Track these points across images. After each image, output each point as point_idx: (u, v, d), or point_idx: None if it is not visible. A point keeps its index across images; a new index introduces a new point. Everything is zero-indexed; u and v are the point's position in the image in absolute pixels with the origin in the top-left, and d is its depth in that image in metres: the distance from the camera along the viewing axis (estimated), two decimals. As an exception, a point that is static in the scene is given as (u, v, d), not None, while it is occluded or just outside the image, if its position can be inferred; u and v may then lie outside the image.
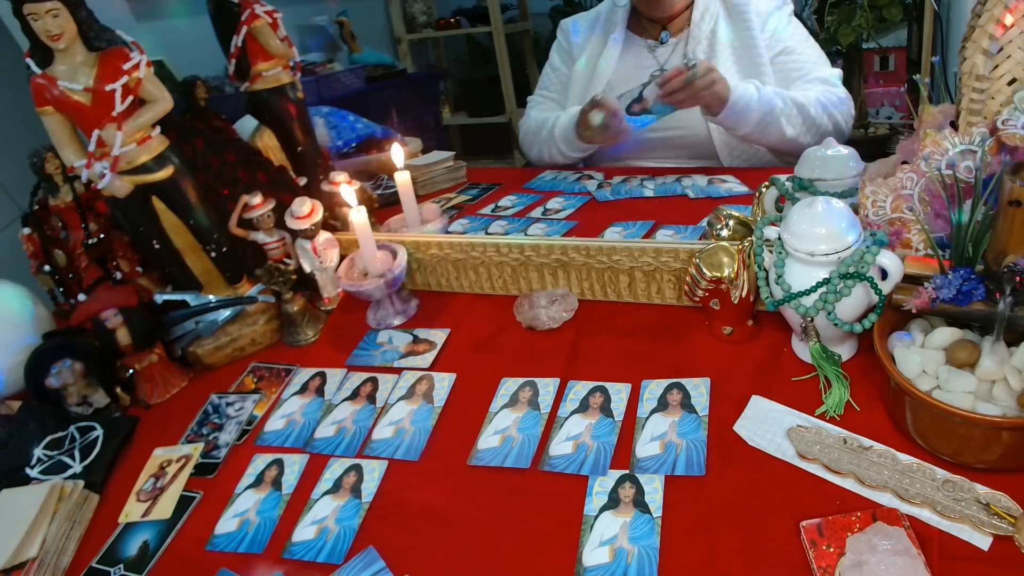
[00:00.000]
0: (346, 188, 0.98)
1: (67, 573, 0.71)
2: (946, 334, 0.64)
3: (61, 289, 1.10)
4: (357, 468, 0.75)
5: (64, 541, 0.73)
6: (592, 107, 1.33)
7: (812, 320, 0.69)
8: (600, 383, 0.79)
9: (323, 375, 0.92)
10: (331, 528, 0.68)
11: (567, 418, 0.76)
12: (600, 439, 0.72)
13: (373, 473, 0.74)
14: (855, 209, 0.74)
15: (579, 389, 0.79)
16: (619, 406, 0.75)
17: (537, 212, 1.28)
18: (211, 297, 1.01)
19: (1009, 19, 0.65)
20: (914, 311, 0.64)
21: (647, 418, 0.72)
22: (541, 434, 0.74)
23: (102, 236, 1.07)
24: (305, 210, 1.01)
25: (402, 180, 1.09)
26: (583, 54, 1.58)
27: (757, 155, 1.43)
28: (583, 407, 0.77)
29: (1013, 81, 0.70)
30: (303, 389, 0.90)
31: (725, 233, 0.85)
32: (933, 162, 0.71)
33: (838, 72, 1.40)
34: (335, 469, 0.76)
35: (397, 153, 1.10)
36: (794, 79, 1.39)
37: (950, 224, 0.69)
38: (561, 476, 0.68)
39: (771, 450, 0.65)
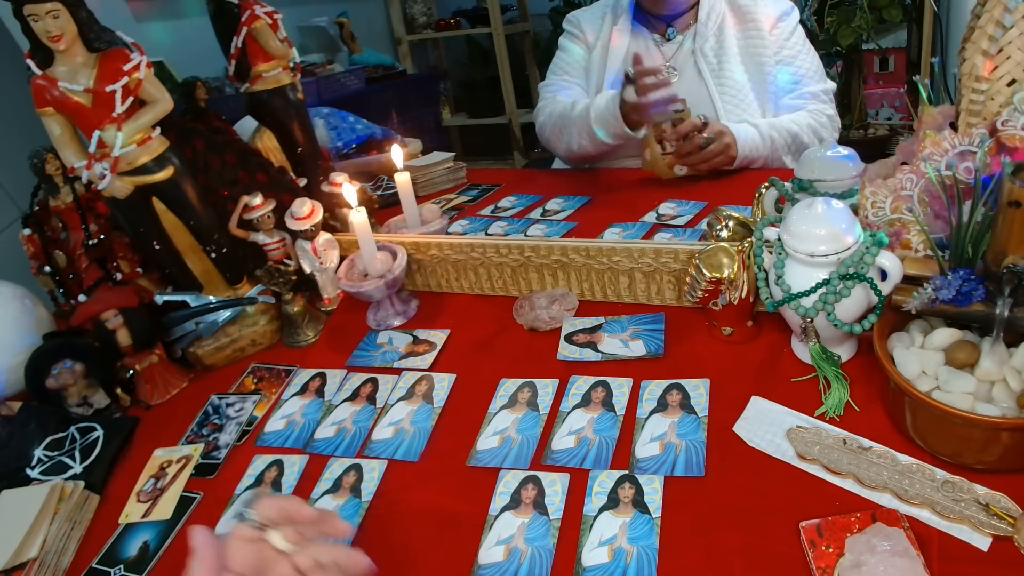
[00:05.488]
0: (348, 188, 0.98)
1: (67, 574, 0.71)
2: (945, 335, 0.64)
3: (61, 290, 1.10)
4: (357, 468, 0.75)
5: (64, 542, 0.73)
6: (627, 83, 1.24)
7: (812, 321, 0.69)
8: (602, 377, 0.80)
9: (323, 376, 0.92)
10: (331, 529, 0.68)
11: (569, 412, 0.76)
12: (602, 433, 0.72)
13: (373, 473, 0.74)
14: (855, 210, 0.74)
15: (581, 384, 0.80)
16: (621, 401, 0.76)
17: (536, 213, 1.28)
18: (211, 298, 1.01)
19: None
20: (914, 312, 0.64)
21: (646, 418, 0.73)
22: (540, 435, 0.74)
23: (102, 237, 1.07)
24: (305, 211, 1.01)
25: (402, 181, 1.09)
26: (597, 43, 1.57)
27: None
28: (585, 402, 0.77)
29: (1013, 82, 0.69)
30: (303, 390, 0.91)
31: (725, 234, 0.85)
32: (933, 163, 0.71)
33: (832, 86, 1.46)
34: (335, 469, 0.76)
35: (397, 154, 1.10)
36: (790, 91, 1.44)
37: (950, 225, 0.69)
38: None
39: (771, 451, 0.65)
